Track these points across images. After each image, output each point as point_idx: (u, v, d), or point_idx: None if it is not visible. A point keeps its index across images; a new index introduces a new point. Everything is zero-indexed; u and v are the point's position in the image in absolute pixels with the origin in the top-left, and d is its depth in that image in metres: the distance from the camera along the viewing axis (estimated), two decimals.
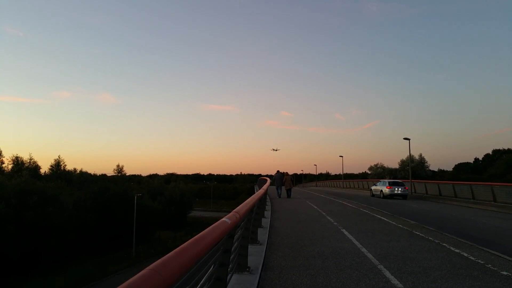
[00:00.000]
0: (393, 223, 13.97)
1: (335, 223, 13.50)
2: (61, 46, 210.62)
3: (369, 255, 8.03)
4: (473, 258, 7.90)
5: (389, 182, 32.94)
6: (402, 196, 31.47)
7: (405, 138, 36.82)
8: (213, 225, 3.16)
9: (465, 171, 78.09)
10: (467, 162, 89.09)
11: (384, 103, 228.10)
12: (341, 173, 66.40)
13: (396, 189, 31.68)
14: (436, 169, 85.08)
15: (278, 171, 29.80)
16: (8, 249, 35.72)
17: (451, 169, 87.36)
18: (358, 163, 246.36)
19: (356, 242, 9.64)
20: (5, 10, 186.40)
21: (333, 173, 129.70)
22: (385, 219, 15.07)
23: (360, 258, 7.75)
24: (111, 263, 41.51)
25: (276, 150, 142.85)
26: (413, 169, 46.19)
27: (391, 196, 31.55)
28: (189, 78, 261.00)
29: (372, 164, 79.92)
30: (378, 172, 75.47)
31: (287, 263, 7.30)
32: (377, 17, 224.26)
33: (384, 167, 76.99)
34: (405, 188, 32.08)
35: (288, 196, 28.24)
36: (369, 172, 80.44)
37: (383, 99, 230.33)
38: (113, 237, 49.23)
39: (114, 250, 46.47)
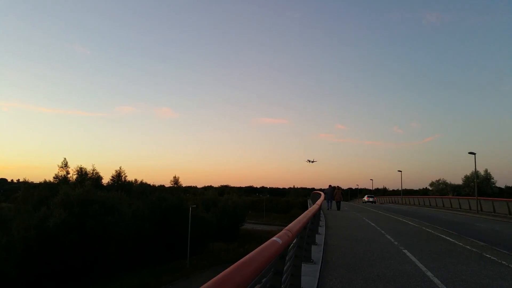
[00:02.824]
0: (460, 244, 12.80)
1: (396, 243, 12.61)
2: (125, 64, 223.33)
3: (436, 280, 7.27)
4: None
5: (367, 195, 67.36)
6: (372, 202, 60.95)
7: (470, 153, 34.51)
8: (261, 246, 2.73)
9: None
10: None
11: (445, 116, 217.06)
12: (400, 188, 63.52)
13: (370, 199, 63.56)
14: (503, 186, 79.05)
15: (330, 185, 32.06)
16: (70, 256, 37.45)
17: None
18: (418, 179, 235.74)
19: (419, 264, 8.84)
20: (75, 30, 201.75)
21: (390, 189, 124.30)
22: (451, 239, 13.88)
23: (425, 283, 7.02)
24: (166, 273, 42.23)
25: (312, 162, 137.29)
26: (478, 185, 42.94)
27: (368, 202, 60.99)
28: (243, 93, 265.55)
29: (434, 180, 75.76)
30: (440, 189, 71.24)
31: (344, 286, 6.75)
32: (437, 27, 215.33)
33: (447, 183, 72.54)
34: (374, 198, 64.96)
35: (338, 208, 30.91)
36: (430, 188, 76.23)
37: (444, 112, 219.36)
38: (168, 247, 50.22)
39: (168, 260, 47.32)
